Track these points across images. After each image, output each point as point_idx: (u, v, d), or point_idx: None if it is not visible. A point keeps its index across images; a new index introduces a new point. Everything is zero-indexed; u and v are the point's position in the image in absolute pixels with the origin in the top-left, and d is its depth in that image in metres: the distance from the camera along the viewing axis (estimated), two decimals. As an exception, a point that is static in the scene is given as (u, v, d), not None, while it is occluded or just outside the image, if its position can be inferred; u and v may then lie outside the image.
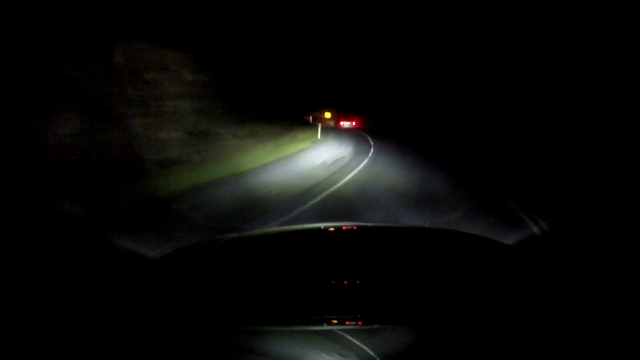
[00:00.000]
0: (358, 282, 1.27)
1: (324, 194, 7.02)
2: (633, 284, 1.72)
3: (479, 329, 1.03)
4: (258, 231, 1.94)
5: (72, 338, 0.96)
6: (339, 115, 30.16)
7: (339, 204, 6.47)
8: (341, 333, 0.99)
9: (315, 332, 0.99)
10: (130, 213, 5.54)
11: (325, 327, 1.00)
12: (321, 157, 12.50)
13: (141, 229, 4.66)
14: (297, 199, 6.61)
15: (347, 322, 1.02)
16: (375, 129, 26.63)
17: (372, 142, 18.70)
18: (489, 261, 1.55)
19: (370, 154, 13.83)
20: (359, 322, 1.03)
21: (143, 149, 8.37)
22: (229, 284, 1.26)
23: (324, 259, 1.45)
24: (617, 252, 4.29)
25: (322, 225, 2.07)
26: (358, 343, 0.94)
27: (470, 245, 1.75)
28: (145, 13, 8.38)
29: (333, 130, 26.47)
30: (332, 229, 1.96)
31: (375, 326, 1.02)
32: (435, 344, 0.97)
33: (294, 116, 20.68)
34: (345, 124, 29.32)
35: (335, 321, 1.02)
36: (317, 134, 20.35)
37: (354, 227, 2.14)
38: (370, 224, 2.89)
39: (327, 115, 25.29)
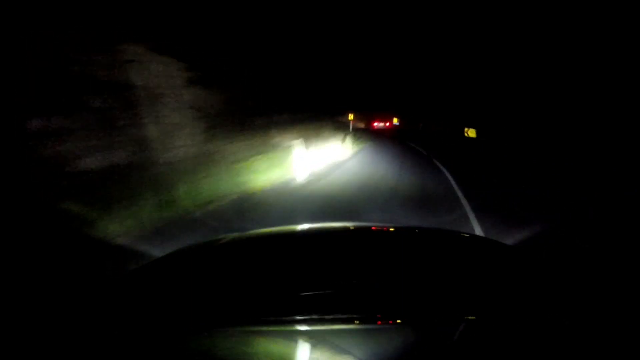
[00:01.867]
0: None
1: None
2: (633, 284, 1.72)
3: (479, 329, 1.03)
4: (258, 231, 1.93)
5: (70, 338, 0.95)
6: (371, 118, 30.44)
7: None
8: (341, 333, 0.98)
9: (315, 332, 0.98)
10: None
11: (325, 328, 1.00)
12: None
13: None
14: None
15: (347, 323, 1.02)
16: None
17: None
18: (488, 261, 1.54)
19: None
20: (359, 322, 1.02)
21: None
22: (228, 284, 1.26)
23: (325, 259, 1.45)
24: (617, 252, 4.28)
25: (322, 225, 2.06)
26: (357, 343, 0.93)
27: (470, 245, 1.75)
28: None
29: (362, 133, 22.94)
30: (332, 229, 1.96)
31: (375, 326, 1.02)
32: (435, 344, 0.96)
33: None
34: (379, 125, 29.80)
35: (335, 321, 1.02)
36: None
37: (355, 227, 2.13)
38: (370, 224, 2.88)
39: (350, 117, 23.99)
